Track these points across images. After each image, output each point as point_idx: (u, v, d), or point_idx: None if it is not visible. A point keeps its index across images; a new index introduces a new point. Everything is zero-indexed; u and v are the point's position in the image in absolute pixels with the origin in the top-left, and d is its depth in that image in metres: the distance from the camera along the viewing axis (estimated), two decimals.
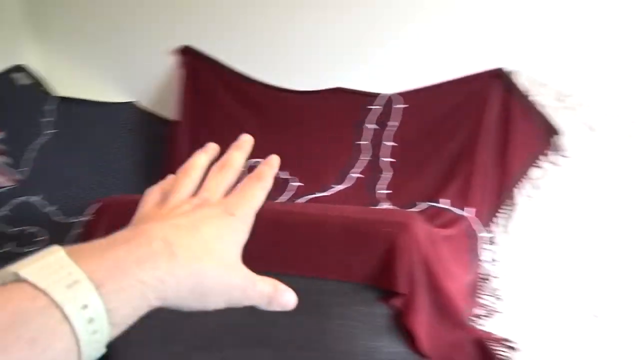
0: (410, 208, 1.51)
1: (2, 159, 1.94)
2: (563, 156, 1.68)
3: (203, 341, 1.17)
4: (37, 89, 2.29)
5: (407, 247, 0.93)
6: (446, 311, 1.05)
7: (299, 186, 1.81)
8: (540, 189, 1.69)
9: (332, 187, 1.75)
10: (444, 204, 1.58)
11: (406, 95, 1.90)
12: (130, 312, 0.28)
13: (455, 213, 1.57)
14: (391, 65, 1.94)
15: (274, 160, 0.43)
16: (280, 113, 1.99)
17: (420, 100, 1.87)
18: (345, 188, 1.74)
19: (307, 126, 1.94)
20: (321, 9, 1.97)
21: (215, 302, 0.32)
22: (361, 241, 0.98)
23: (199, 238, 0.32)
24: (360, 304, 1.01)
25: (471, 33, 1.81)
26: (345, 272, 0.99)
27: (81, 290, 0.25)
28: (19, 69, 2.28)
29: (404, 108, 1.88)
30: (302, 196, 1.75)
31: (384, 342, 1.03)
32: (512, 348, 1.19)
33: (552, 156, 1.69)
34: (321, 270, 1.00)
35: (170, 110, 2.24)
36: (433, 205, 1.54)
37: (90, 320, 0.25)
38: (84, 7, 2.28)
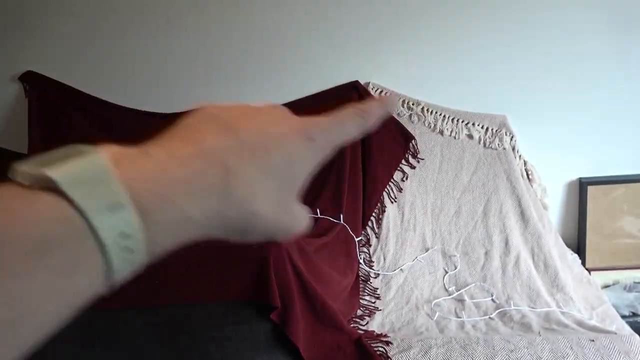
0: None
1: None
2: (419, 159, 1.86)
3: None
4: None
5: (279, 261, 0.95)
6: (324, 317, 1.08)
7: None
8: (403, 190, 1.85)
9: None
10: (318, 212, 1.64)
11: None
12: (169, 244, 0.25)
13: (329, 220, 1.64)
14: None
15: (389, 101, 0.35)
16: (135, 133, 1.90)
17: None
18: None
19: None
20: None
21: (257, 238, 0.29)
22: (234, 260, 0.97)
23: (264, 167, 0.27)
24: (238, 323, 1.00)
25: (330, 50, 1.91)
26: (220, 293, 0.97)
27: (124, 217, 0.22)
28: None
29: None
30: None
31: (266, 356, 1.04)
32: (388, 343, 1.27)
33: (410, 159, 1.86)
34: (195, 295, 0.98)
35: (15, 143, 2.01)
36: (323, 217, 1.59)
37: (128, 251, 0.22)
38: None
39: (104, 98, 1.94)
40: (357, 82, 1.88)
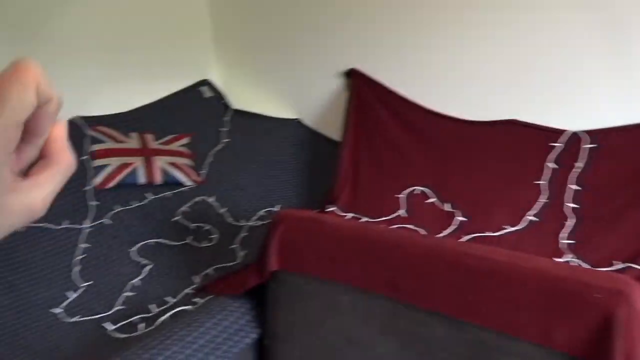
0: (605, 267, 1.31)
1: (187, 161, 2.17)
2: None
3: (334, 353, 1.13)
4: (219, 102, 2.53)
5: (628, 322, 0.79)
6: None
7: (462, 221, 1.71)
8: None
9: (504, 229, 1.61)
10: None
11: (595, 134, 1.68)
12: None
13: None
14: (576, 99, 1.74)
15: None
16: (447, 142, 1.90)
17: (613, 140, 1.64)
18: (519, 231, 1.59)
19: (476, 159, 1.82)
20: (495, 29, 1.84)
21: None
22: (565, 305, 0.85)
23: None
24: None
25: None
26: (542, 335, 0.87)
27: None
28: (204, 83, 2.55)
29: (592, 148, 1.67)
30: (466, 233, 1.64)
31: None
32: None
33: None
34: (512, 327, 0.90)
35: (331, 129, 2.31)
36: (633, 267, 1.32)
37: None
38: (261, 33, 2.47)
39: (413, 99, 2.03)
40: None
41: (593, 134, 1.68)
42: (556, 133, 1.71)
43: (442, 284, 1.01)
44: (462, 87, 1.94)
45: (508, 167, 1.74)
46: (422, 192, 1.83)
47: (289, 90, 2.45)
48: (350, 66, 2.18)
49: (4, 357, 1.33)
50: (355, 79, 2.15)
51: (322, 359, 1.20)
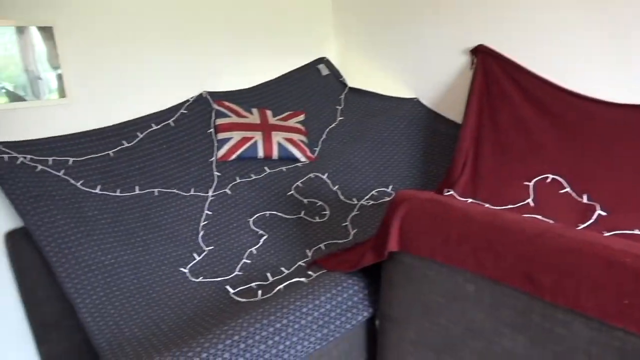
0: None
1: (302, 137, 2.21)
2: None
3: (452, 341, 1.07)
4: (336, 79, 2.53)
5: None
6: None
7: (602, 215, 1.52)
8: None
9: None
10: None
11: None
12: None
13: None
14: None
15: None
16: (584, 126, 1.70)
17: None
18: None
19: (618, 146, 1.61)
20: None
21: None
22: None
23: None
24: None
25: None
26: None
27: None
28: (322, 60, 2.56)
29: None
30: (607, 229, 1.45)
31: None
32: None
33: None
34: None
35: (451, 110, 2.19)
36: None
37: None
38: (380, 9, 2.40)
39: (542, 75, 1.83)
40: None
41: None
42: None
43: (590, 282, 0.90)
44: (602, 66, 1.71)
45: None
46: (555, 180, 1.66)
47: (407, 69, 2.37)
48: (474, 43, 2.05)
49: (139, 308, 1.47)
50: (481, 55, 2.00)
51: (439, 345, 1.14)
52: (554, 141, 1.74)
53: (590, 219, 1.52)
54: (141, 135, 1.90)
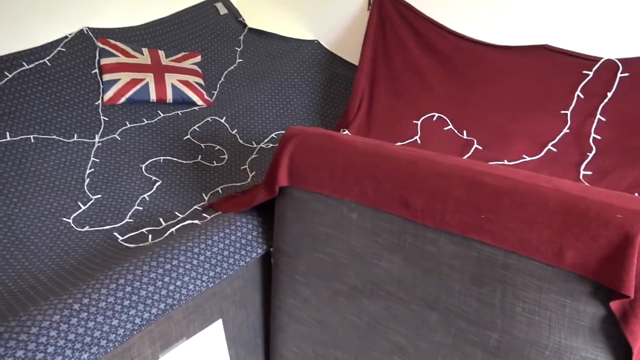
0: None
1: (199, 80, 2.11)
2: None
3: (367, 286, 1.13)
4: (234, 19, 2.42)
5: None
6: None
7: (479, 149, 1.64)
8: None
9: (523, 158, 1.55)
10: None
11: (630, 62, 1.57)
12: None
13: None
14: (612, 25, 1.60)
15: None
16: (470, 67, 1.80)
17: None
18: (537, 160, 1.53)
19: (500, 85, 1.73)
20: None
21: None
22: (583, 224, 0.81)
23: None
24: (562, 294, 0.86)
25: None
26: (554, 255, 0.84)
27: None
28: None
29: (624, 77, 1.56)
30: (482, 161, 1.58)
31: (581, 344, 0.87)
32: None
33: None
34: (524, 246, 0.87)
35: (351, 53, 2.20)
36: None
37: None
38: None
39: (437, 20, 1.89)
40: None
41: (628, 62, 1.57)
42: (590, 60, 1.60)
43: (455, 202, 0.97)
44: (489, 9, 1.80)
45: (534, 96, 1.64)
46: (440, 117, 1.75)
47: (308, 10, 2.32)
48: None
49: (16, 260, 1.36)
50: None
51: (327, 273, 1.19)
52: (442, 82, 1.83)
53: (468, 152, 1.64)
54: (10, 75, 1.70)
